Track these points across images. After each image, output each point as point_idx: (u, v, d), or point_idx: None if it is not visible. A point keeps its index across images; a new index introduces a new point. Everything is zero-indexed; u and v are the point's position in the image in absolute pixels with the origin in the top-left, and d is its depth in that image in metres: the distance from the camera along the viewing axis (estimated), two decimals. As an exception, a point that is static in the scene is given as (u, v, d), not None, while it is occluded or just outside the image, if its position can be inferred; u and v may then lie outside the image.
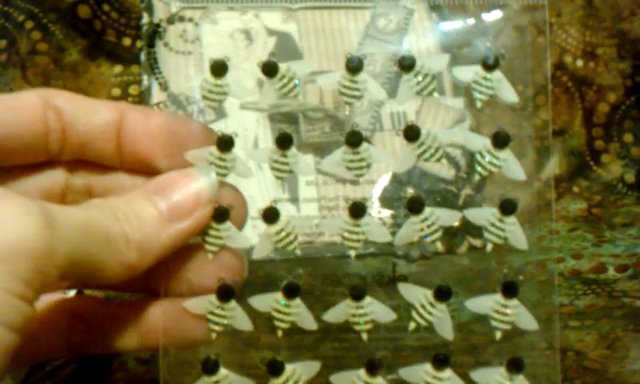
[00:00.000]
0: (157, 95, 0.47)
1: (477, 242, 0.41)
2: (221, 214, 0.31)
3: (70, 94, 0.31)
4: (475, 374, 0.31)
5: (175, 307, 0.31)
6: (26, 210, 0.24)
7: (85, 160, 0.32)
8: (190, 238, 0.30)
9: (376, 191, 0.43)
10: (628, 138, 0.47)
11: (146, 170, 0.32)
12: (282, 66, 0.31)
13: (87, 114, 0.31)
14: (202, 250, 0.31)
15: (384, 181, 0.41)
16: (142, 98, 0.47)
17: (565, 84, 0.43)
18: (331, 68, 0.45)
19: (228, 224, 0.31)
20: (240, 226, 0.32)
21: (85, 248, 0.26)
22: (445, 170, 0.43)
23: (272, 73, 0.31)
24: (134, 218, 0.28)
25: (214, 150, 0.31)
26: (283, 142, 0.31)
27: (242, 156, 0.32)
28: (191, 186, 0.30)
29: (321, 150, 0.44)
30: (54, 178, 0.32)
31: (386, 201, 0.41)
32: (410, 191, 0.42)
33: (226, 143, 0.31)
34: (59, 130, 0.31)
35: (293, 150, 0.31)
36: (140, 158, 0.31)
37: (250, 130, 0.45)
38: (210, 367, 0.31)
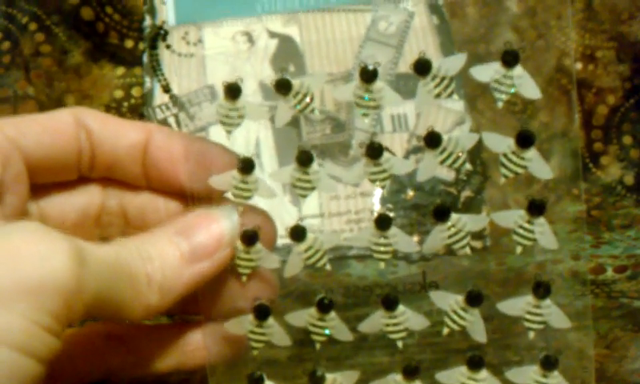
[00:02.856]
0: (159, 97, 0.47)
1: (477, 244, 0.41)
2: (250, 238, 0.31)
3: (99, 114, 0.32)
4: (510, 373, 0.32)
5: (215, 329, 0.32)
6: (57, 245, 0.24)
7: (116, 180, 0.33)
8: (210, 277, 0.30)
9: (377, 195, 0.43)
10: (627, 140, 0.47)
11: (172, 191, 0.32)
12: (296, 83, 0.31)
13: (114, 136, 0.31)
14: (236, 273, 0.32)
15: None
16: (145, 100, 0.47)
17: (564, 87, 0.43)
18: (332, 71, 0.45)
19: (258, 246, 0.31)
20: (270, 245, 0.32)
21: (111, 286, 0.26)
22: (445, 172, 0.43)
23: (286, 90, 0.31)
24: (157, 259, 0.28)
25: (235, 173, 0.31)
26: (304, 159, 0.31)
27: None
28: (213, 228, 0.30)
29: (322, 152, 0.44)
30: (90, 197, 0.32)
31: (386, 205, 0.42)
32: (411, 193, 0.42)
33: (246, 166, 0.31)
34: (89, 149, 0.31)
35: (314, 167, 0.31)
36: (164, 180, 0.32)
37: (252, 131, 0.45)
38: (256, 381, 0.32)
